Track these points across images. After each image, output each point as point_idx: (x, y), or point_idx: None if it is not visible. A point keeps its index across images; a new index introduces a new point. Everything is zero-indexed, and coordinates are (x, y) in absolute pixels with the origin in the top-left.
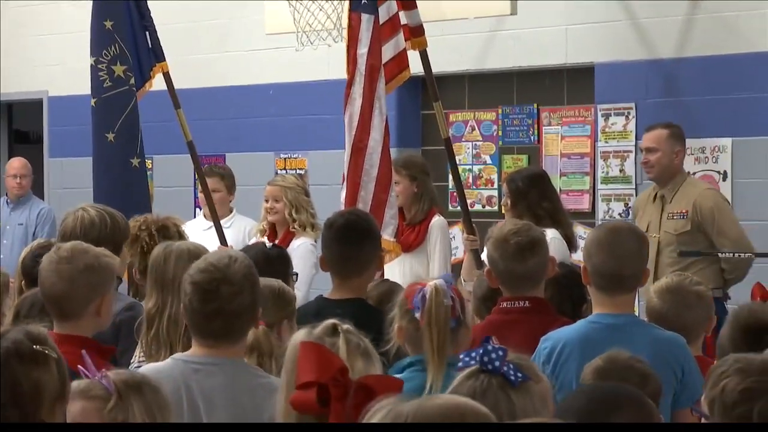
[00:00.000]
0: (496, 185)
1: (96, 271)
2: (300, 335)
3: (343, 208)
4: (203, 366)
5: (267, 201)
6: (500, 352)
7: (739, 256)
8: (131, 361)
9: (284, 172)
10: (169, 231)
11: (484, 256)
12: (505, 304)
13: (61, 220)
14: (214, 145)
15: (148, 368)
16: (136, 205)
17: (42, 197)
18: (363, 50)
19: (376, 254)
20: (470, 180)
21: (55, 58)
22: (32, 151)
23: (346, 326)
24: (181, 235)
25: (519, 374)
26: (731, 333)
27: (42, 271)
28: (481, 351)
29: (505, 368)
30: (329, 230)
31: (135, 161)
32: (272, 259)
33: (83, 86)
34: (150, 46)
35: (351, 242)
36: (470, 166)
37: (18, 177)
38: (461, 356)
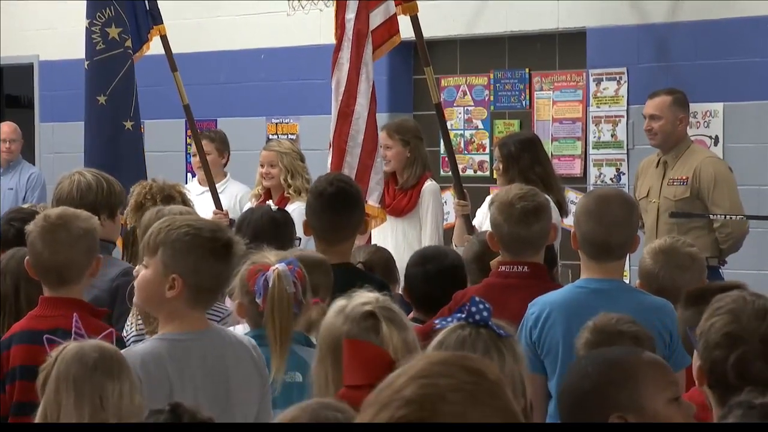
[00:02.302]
0: (487, 150)
1: (91, 234)
2: (333, 317)
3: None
4: (193, 342)
5: (262, 166)
6: (486, 305)
7: (730, 218)
8: (126, 328)
9: (276, 137)
10: (174, 201)
11: (475, 222)
12: (504, 268)
13: (56, 184)
14: (206, 110)
15: (145, 353)
16: (129, 168)
17: (33, 162)
18: (351, 15)
19: (362, 219)
20: (462, 145)
21: (46, 23)
22: (23, 115)
23: (380, 302)
24: (186, 204)
25: (503, 331)
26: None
27: (36, 241)
28: (464, 308)
29: (491, 322)
30: (319, 199)
31: (128, 124)
32: (279, 223)
33: (74, 51)
34: (148, 8)
35: (342, 211)
36: (462, 131)
37: (7, 141)
38: (437, 321)
